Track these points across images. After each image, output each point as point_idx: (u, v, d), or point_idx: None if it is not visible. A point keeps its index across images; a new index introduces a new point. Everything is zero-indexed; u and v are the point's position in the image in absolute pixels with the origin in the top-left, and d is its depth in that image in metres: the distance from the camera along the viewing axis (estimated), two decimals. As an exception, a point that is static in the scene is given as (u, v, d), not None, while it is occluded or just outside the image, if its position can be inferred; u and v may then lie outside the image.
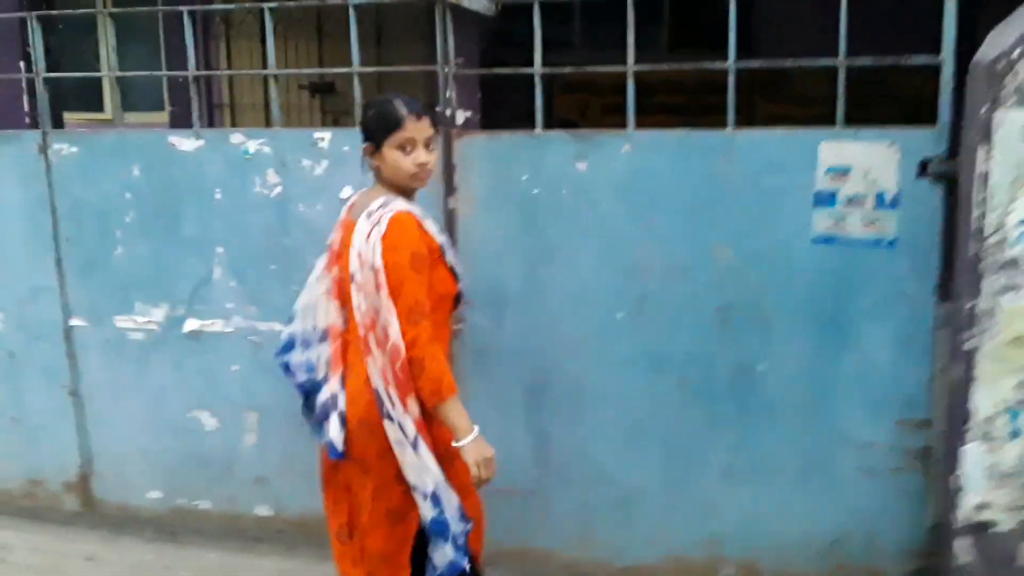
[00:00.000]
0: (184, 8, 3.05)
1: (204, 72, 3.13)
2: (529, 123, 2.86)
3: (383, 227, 2.14)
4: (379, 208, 2.19)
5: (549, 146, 2.85)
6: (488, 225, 2.93)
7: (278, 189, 3.07)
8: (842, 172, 2.66)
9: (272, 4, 3.00)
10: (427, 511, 2.20)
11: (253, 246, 3.14)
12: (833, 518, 2.84)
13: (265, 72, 3.04)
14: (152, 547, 3.46)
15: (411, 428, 2.16)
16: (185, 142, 3.13)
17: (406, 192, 2.27)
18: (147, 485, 3.42)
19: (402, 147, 2.19)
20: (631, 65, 2.78)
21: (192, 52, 3.12)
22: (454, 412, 2.14)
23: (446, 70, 2.89)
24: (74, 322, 3.36)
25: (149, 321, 3.28)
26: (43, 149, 3.26)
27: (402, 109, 2.18)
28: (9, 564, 3.36)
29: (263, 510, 3.33)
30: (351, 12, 2.90)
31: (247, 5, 3.41)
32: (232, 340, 3.20)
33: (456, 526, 2.22)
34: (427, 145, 2.22)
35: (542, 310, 2.94)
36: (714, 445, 2.90)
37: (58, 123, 3.47)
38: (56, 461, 3.50)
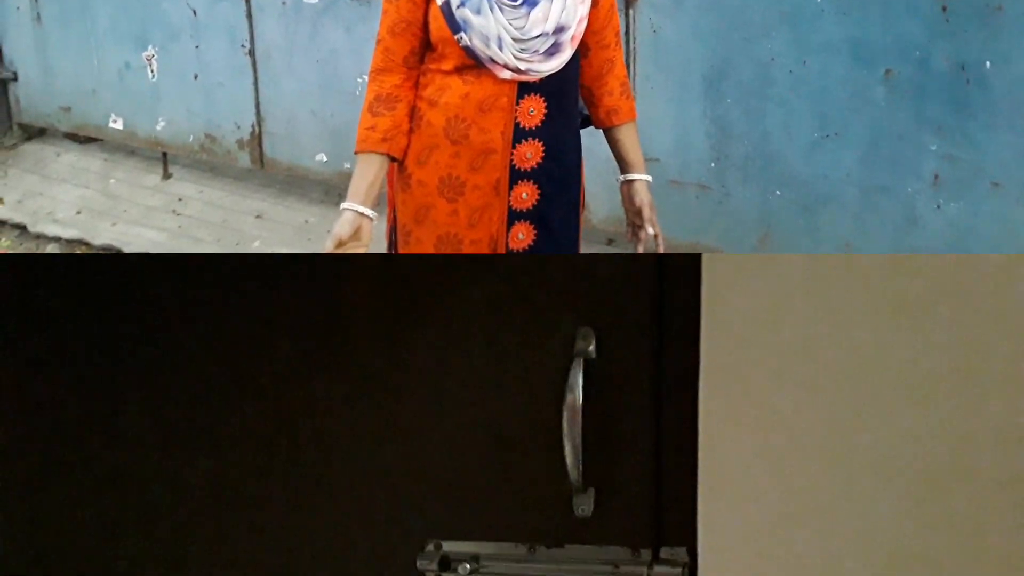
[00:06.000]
0: None
1: None
2: None
3: None
4: None
5: None
6: None
7: None
8: None
9: None
10: None
11: None
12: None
13: None
14: (317, 209, 3.54)
15: None
16: None
17: None
18: (315, 147, 3.43)
19: None
20: None
21: None
22: (356, 168, 1.81)
23: None
24: (254, -22, 3.32)
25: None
26: None
27: None
28: (184, 217, 3.54)
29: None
30: None
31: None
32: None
33: None
34: None
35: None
36: (923, 150, 2.54)
37: None
38: (231, 119, 3.57)
